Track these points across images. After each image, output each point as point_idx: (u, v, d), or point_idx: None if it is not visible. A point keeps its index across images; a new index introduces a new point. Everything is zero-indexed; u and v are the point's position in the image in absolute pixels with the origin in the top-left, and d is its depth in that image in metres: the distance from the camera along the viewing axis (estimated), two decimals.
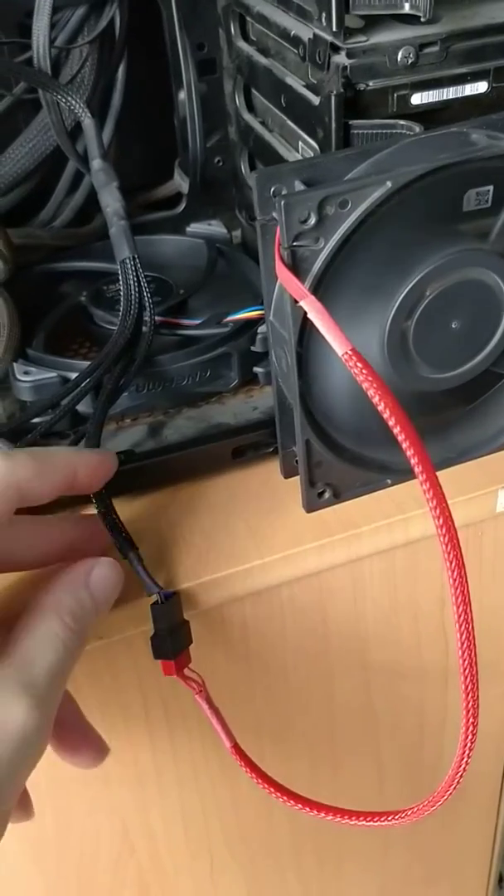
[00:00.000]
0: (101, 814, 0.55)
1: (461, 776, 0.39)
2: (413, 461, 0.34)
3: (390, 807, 0.44)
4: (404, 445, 0.34)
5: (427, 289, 0.40)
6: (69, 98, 0.56)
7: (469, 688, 0.36)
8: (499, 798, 0.77)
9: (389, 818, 0.43)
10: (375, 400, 0.34)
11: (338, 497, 0.47)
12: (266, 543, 0.46)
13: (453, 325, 0.42)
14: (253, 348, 0.53)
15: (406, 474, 0.47)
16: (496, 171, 0.40)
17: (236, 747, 0.44)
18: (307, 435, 0.44)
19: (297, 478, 0.46)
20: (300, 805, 0.45)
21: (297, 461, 0.45)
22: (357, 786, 0.64)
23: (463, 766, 0.38)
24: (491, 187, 0.40)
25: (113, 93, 0.63)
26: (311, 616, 0.51)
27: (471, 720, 0.37)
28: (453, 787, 0.40)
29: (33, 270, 0.61)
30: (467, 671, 0.37)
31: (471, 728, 0.37)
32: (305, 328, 0.39)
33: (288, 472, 0.49)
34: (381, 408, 0.34)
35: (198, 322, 0.55)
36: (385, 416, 0.34)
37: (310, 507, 0.46)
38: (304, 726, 0.57)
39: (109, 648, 0.45)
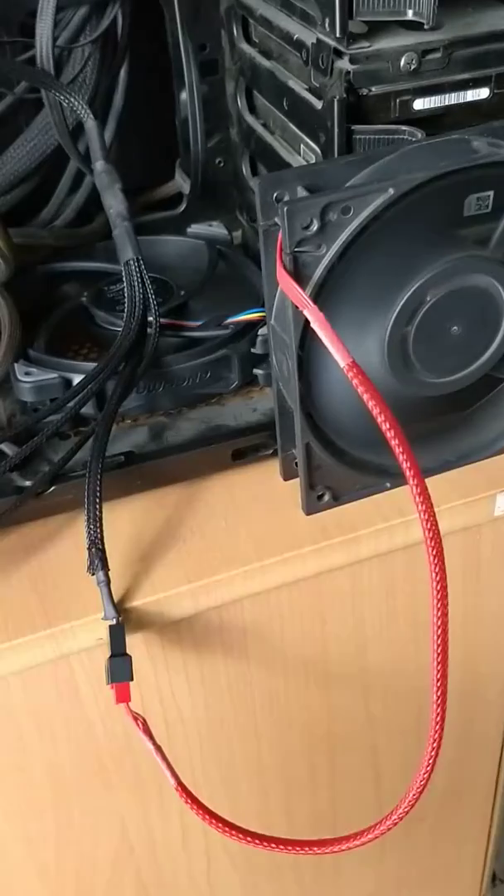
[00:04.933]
0: (100, 815, 0.55)
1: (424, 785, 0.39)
2: (407, 473, 0.35)
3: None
4: (400, 458, 0.35)
5: (427, 294, 0.41)
6: (71, 98, 0.56)
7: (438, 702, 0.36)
8: (493, 799, 0.77)
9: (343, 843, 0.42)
10: (375, 412, 0.35)
11: (337, 500, 0.47)
12: (265, 546, 0.47)
13: (453, 331, 0.42)
14: (253, 350, 0.53)
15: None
16: (497, 177, 0.40)
17: (181, 786, 0.43)
18: (307, 438, 0.44)
19: (297, 480, 0.46)
20: (251, 840, 0.44)
21: (296, 464, 0.46)
22: (354, 787, 0.65)
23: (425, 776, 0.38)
24: (491, 193, 0.41)
25: (115, 92, 0.63)
26: (309, 619, 0.51)
27: (436, 730, 0.36)
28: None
29: (34, 270, 0.61)
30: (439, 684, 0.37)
31: (435, 740, 0.37)
32: (307, 333, 0.39)
33: (287, 475, 0.49)
34: (379, 420, 0.35)
35: (198, 324, 0.55)
36: (383, 428, 0.35)
37: (309, 510, 0.47)
38: (302, 728, 0.58)
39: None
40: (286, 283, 0.37)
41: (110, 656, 0.41)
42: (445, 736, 0.65)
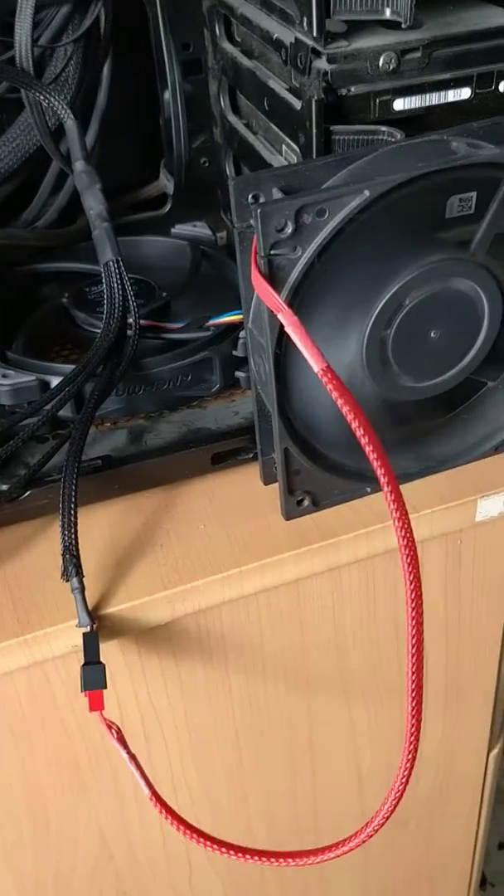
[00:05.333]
0: (78, 822, 0.55)
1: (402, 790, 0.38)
2: (382, 480, 0.34)
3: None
4: (374, 464, 0.34)
5: (406, 298, 0.40)
6: (51, 98, 0.55)
7: (414, 707, 0.36)
8: (479, 801, 0.77)
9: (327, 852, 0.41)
10: (350, 417, 0.34)
11: (317, 505, 0.46)
12: (244, 551, 0.46)
13: (433, 335, 0.42)
14: (235, 353, 0.52)
15: None
16: (478, 179, 0.40)
17: (155, 795, 0.43)
18: (286, 443, 0.43)
19: (277, 485, 0.46)
20: (230, 852, 0.43)
21: (276, 468, 0.45)
22: (337, 792, 0.64)
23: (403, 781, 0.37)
24: (474, 194, 0.40)
25: (98, 92, 0.62)
26: (289, 624, 0.51)
27: (412, 737, 0.36)
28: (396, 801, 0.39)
29: (15, 271, 0.60)
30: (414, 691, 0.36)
31: (412, 746, 0.36)
32: (283, 337, 0.39)
33: (268, 480, 0.48)
34: (354, 426, 0.34)
35: (179, 325, 0.54)
36: (357, 433, 0.34)
37: (288, 515, 0.46)
38: (283, 734, 0.57)
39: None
40: (261, 286, 0.37)
41: (83, 664, 0.41)
42: (429, 739, 0.65)
